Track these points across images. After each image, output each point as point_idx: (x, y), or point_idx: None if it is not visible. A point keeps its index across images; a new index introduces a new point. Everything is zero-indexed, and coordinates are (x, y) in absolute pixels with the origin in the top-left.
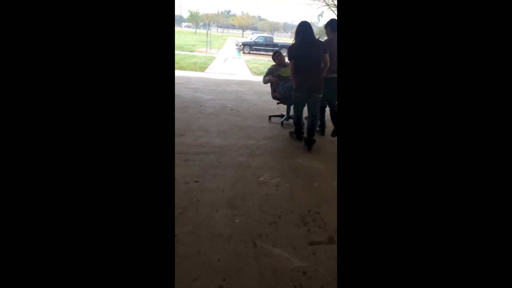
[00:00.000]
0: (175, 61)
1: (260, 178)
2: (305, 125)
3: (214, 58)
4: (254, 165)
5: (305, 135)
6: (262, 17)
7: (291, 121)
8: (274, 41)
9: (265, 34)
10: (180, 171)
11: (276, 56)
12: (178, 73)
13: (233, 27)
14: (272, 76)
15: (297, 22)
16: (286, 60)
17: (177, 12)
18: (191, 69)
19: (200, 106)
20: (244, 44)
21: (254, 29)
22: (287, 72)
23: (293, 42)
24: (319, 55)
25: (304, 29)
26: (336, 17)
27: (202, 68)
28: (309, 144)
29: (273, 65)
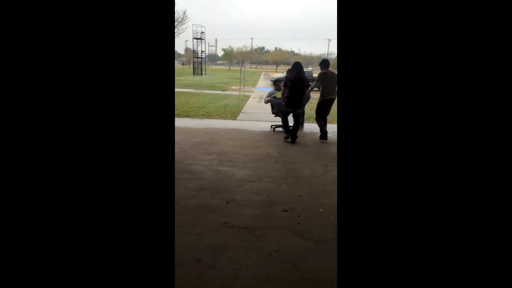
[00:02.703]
0: (203, 105)
1: None
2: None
3: (248, 97)
4: None
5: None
6: (295, 52)
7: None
8: (314, 75)
9: (304, 69)
10: None
11: (276, 83)
12: (202, 123)
13: (267, 62)
14: (270, 97)
15: (334, 55)
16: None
17: (212, 51)
18: (220, 116)
19: (227, 203)
20: (280, 80)
21: (288, 63)
22: (280, 94)
23: (289, 75)
24: (304, 86)
25: (297, 67)
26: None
27: (234, 114)
28: (294, 138)
29: (272, 90)
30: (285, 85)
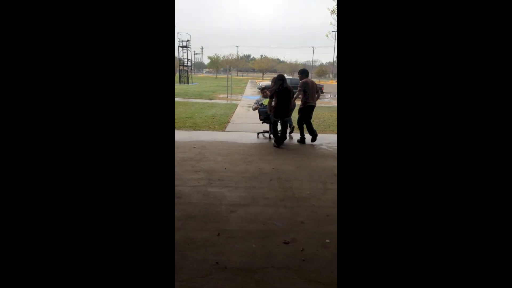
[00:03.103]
0: (190, 116)
1: None
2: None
3: (236, 106)
4: None
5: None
6: (281, 59)
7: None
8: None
9: (290, 76)
10: None
11: (264, 91)
12: (189, 135)
13: (253, 70)
14: (257, 105)
15: (318, 62)
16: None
17: (198, 59)
18: (208, 127)
19: (218, 234)
20: (268, 88)
21: (274, 71)
22: (267, 101)
23: (274, 87)
24: (290, 96)
25: (282, 79)
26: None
27: (222, 124)
28: (282, 141)
29: (259, 98)
30: (271, 97)
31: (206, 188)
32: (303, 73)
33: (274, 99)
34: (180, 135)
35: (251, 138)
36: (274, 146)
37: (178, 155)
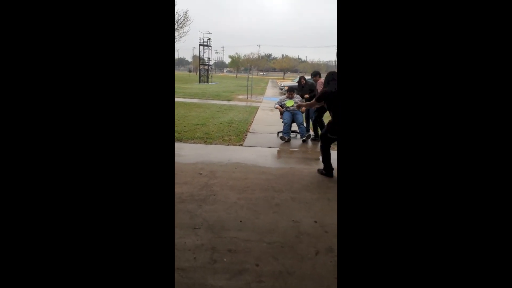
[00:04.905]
0: (203, 122)
1: None
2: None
3: (256, 109)
4: None
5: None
6: (302, 59)
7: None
8: None
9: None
10: None
11: (289, 92)
12: (197, 152)
13: (274, 70)
14: (280, 105)
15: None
16: (295, 95)
17: (219, 59)
18: (223, 139)
19: None
20: (294, 88)
21: (295, 71)
22: (290, 103)
23: (327, 88)
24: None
25: (334, 77)
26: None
27: (240, 134)
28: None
29: (283, 97)
30: (318, 99)
31: (205, 277)
32: (318, 74)
33: (325, 106)
34: (185, 151)
35: (276, 157)
36: (322, 173)
37: (176, 188)
